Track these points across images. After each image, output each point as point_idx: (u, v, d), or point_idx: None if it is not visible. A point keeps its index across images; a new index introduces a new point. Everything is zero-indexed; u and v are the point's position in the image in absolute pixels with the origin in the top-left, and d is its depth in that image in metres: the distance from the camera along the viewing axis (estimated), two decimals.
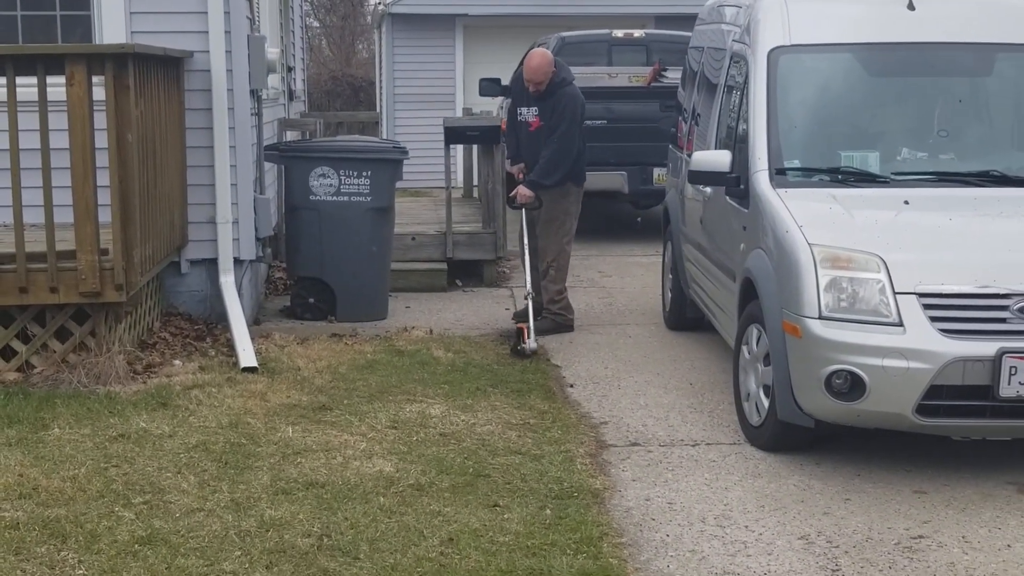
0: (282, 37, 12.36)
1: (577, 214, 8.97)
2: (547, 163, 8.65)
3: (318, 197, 9.06)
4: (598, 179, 12.06)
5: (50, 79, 6.64)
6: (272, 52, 9.13)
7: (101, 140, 6.70)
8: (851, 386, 5.52)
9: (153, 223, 7.30)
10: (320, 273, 9.17)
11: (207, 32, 8.08)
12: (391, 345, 8.21)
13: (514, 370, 7.65)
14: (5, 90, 6.65)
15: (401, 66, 18.97)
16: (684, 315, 8.75)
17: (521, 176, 8.94)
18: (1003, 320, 5.47)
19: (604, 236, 13.62)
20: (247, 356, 7.45)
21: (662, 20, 17.90)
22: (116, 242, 6.75)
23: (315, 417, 6.47)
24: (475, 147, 13.47)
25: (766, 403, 6.06)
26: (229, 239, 8.28)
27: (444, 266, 10.68)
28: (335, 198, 9.05)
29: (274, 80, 10.53)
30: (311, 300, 9.19)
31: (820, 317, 5.61)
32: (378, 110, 20.44)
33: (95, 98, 6.66)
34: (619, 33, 13.93)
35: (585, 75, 11.86)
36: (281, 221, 10.13)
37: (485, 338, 8.61)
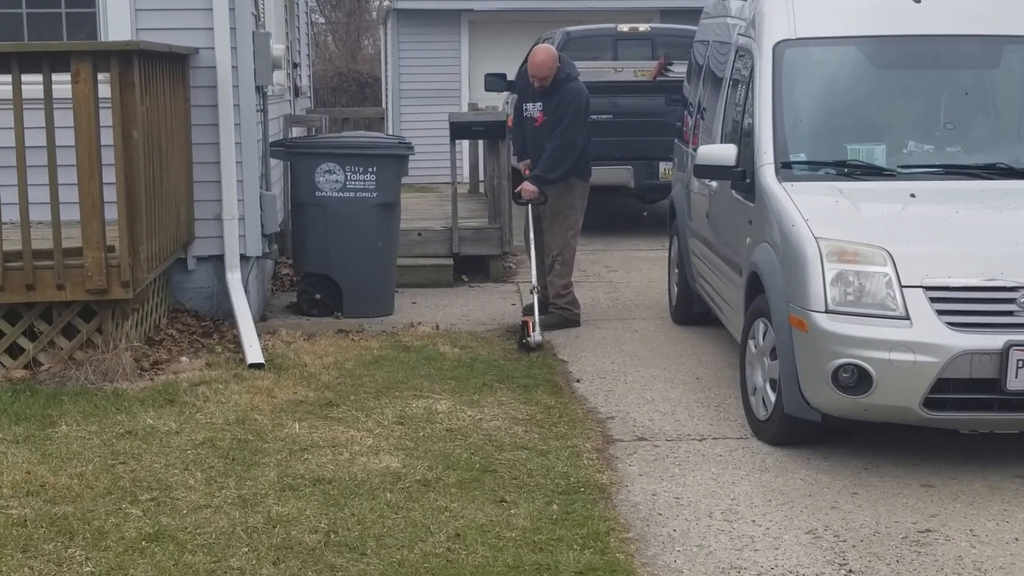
0: (287, 33, 12.35)
1: (583, 209, 8.96)
2: (551, 158, 8.65)
3: (324, 193, 9.05)
4: (604, 174, 12.07)
5: (55, 76, 6.65)
6: (277, 48, 9.13)
7: (107, 137, 6.70)
8: (858, 380, 5.51)
9: (159, 220, 7.30)
10: (326, 269, 9.17)
11: (212, 29, 8.08)
12: (397, 341, 8.21)
13: (520, 365, 7.65)
14: (11, 88, 6.65)
15: (406, 62, 18.97)
16: (690, 309, 8.74)
17: (527, 172, 8.94)
18: (1010, 313, 5.45)
19: (610, 231, 13.61)
20: (254, 352, 7.45)
21: (667, 14, 17.90)
22: (122, 239, 6.76)
23: (322, 413, 6.47)
24: (481, 142, 13.46)
25: (773, 397, 6.05)
26: (235, 235, 8.29)
27: (450, 262, 10.68)
28: (341, 194, 9.05)
29: (279, 76, 10.53)
30: (317, 296, 9.19)
31: (827, 311, 5.60)
32: (384, 106, 20.44)
33: (100, 95, 6.66)
34: (624, 27, 13.91)
35: (590, 70, 11.86)
36: (287, 217, 10.13)
37: (491, 333, 8.60)
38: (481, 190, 13.80)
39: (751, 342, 6.40)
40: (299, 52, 13.68)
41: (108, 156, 6.71)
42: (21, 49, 6.92)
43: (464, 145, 15.67)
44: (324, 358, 7.62)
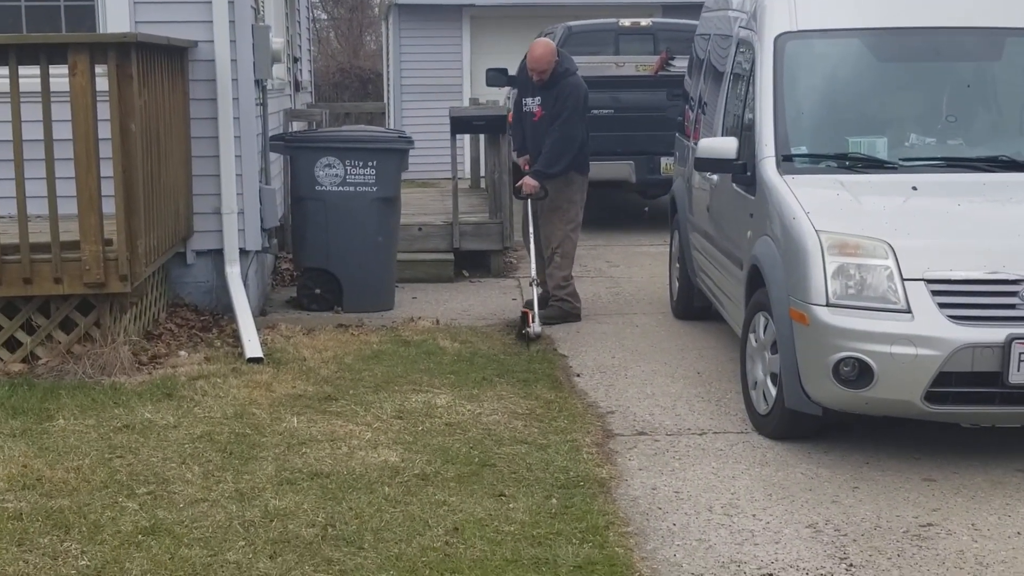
0: (287, 28, 12.32)
1: (582, 203, 8.94)
2: (550, 152, 8.64)
3: (324, 187, 9.02)
4: (605, 169, 12.05)
5: (53, 69, 6.62)
6: (277, 42, 9.09)
7: (104, 130, 6.67)
8: (859, 373, 5.48)
9: (158, 213, 7.27)
10: (326, 264, 9.14)
11: (211, 22, 8.06)
12: (397, 335, 8.18)
13: (521, 360, 7.62)
14: (8, 80, 6.62)
15: (408, 57, 18.93)
16: (691, 304, 8.71)
17: (526, 167, 8.92)
18: (1012, 306, 5.42)
19: (611, 226, 13.57)
20: (252, 347, 7.42)
21: (669, 9, 17.85)
22: (120, 232, 6.73)
23: (320, 407, 6.44)
24: (482, 137, 13.43)
25: (773, 391, 6.02)
26: (235, 230, 8.26)
27: (451, 256, 10.65)
28: (341, 188, 9.02)
29: (280, 71, 10.50)
30: (317, 291, 9.16)
31: (828, 304, 5.57)
32: (385, 101, 20.41)
33: (98, 88, 6.63)
34: (626, 22, 13.87)
35: (592, 64, 11.84)
36: (287, 212, 10.10)
37: (492, 328, 8.58)
38: (482, 185, 13.79)
39: (752, 336, 6.37)
40: (299, 47, 13.66)
41: (106, 149, 6.68)
42: (18, 41, 6.91)
43: (465, 140, 15.64)
44: (323, 352, 7.59)
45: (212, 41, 8.09)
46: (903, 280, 5.48)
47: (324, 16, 33.37)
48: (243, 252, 8.36)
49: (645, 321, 8.88)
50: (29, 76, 6.61)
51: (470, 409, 6.46)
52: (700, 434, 6.20)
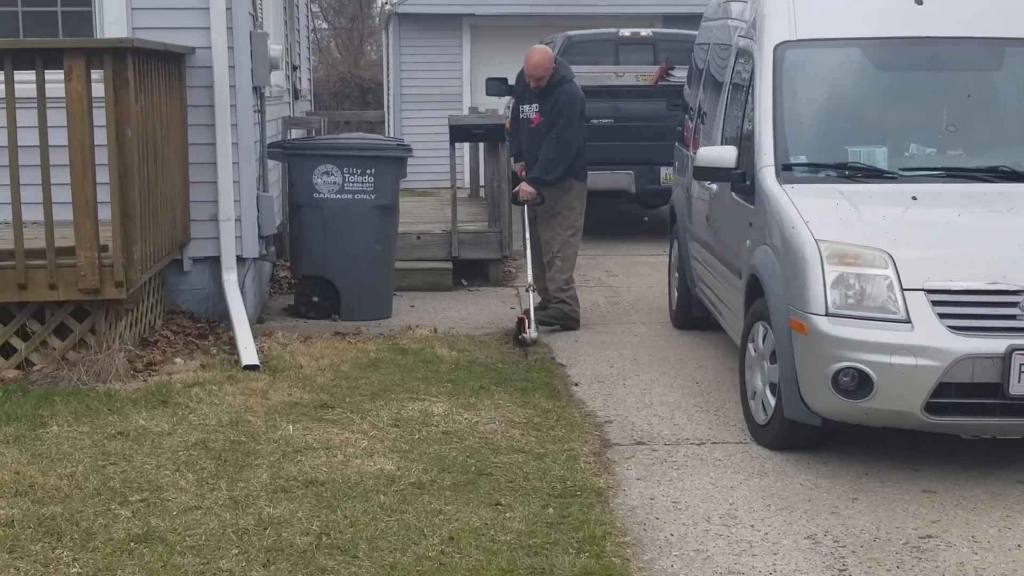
0: (286, 35, 12.30)
1: (582, 209, 8.92)
2: (547, 159, 8.63)
3: (322, 195, 9.00)
4: (605, 178, 12.03)
5: (49, 74, 6.59)
6: (275, 49, 9.08)
7: (100, 136, 6.65)
8: (858, 384, 5.44)
9: (154, 220, 7.24)
10: (324, 272, 9.11)
11: (209, 28, 8.04)
12: (395, 344, 8.15)
13: (518, 369, 7.58)
14: (3, 86, 6.59)
15: (408, 66, 18.93)
16: (690, 314, 8.68)
17: (523, 173, 8.91)
18: (1013, 317, 5.38)
19: (611, 235, 13.55)
20: (249, 354, 7.39)
21: (670, 20, 17.85)
22: (116, 239, 6.70)
23: (316, 415, 6.41)
24: (481, 146, 13.40)
25: (772, 401, 5.98)
26: (232, 237, 8.24)
27: (449, 265, 10.62)
28: (339, 196, 8.99)
29: (278, 78, 10.48)
30: (315, 299, 9.12)
31: (827, 314, 5.54)
32: (385, 110, 20.41)
33: (94, 94, 6.61)
34: (626, 32, 13.87)
35: (592, 74, 11.82)
36: (285, 219, 10.07)
37: (490, 337, 8.54)
38: (481, 194, 13.75)
39: (751, 346, 6.33)
40: (299, 55, 13.63)
41: (102, 156, 6.64)
42: (14, 46, 6.87)
43: (464, 149, 15.63)
44: (320, 360, 7.55)
45: (210, 47, 8.07)
46: (903, 290, 5.45)
47: (325, 25, 33.39)
48: (240, 259, 8.33)
49: (644, 330, 8.85)
50: (25, 81, 6.59)
51: (467, 418, 6.42)
52: (698, 444, 6.16)
